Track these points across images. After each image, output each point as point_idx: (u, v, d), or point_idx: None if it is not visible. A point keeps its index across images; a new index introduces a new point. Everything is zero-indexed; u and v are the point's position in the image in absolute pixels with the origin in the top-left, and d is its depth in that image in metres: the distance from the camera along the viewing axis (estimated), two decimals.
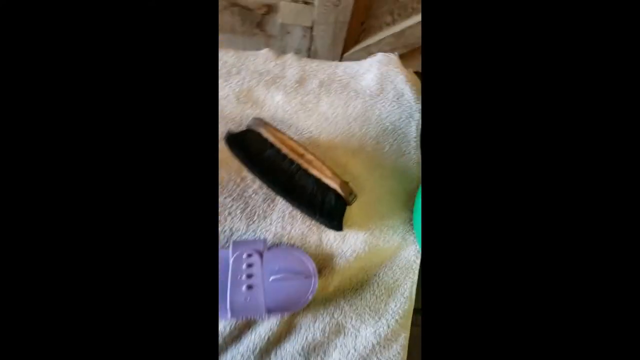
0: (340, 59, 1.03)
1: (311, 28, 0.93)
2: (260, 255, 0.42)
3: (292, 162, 0.46)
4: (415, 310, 0.48)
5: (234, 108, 0.53)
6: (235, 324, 0.43)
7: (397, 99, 0.57)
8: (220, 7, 0.84)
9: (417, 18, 0.90)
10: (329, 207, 0.46)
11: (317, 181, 0.46)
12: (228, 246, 0.45)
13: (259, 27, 0.96)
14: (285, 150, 0.46)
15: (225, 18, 0.88)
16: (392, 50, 0.98)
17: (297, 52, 1.02)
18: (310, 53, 1.00)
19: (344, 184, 0.46)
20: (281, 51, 1.02)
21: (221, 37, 0.84)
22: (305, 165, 0.46)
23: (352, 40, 0.97)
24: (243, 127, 0.52)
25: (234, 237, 0.46)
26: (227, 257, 0.42)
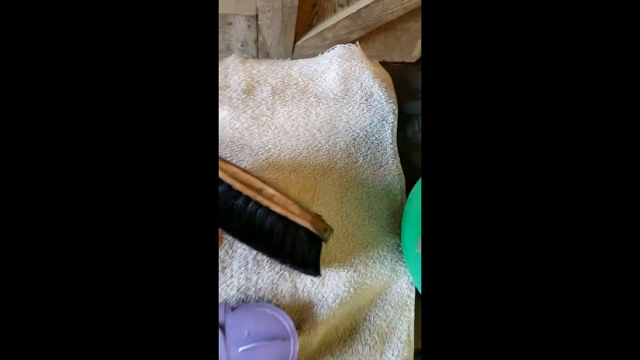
0: (293, 48, 0.92)
1: (256, 17, 0.81)
2: (222, 329, 0.33)
3: (248, 199, 0.37)
4: (415, 353, 0.41)
5: None
6: None
7: (366, 100, 0.48)
8: None
9: None
10: (301, 251, 0.37)
11: (283, 220, 0.37)
12: None
13: None
14: (238, 186, 0.37)
15: None
16: (348, 34, 0.88)
17: (244, 44, 0.90)
18: (259, 44, 0.88)
19: (316, 219, 0.37)
20: (225, 45, 0.90)
21: None
22: (265, 203, 0.37)
23: (304, 26, 0.86)
24: None
25: None
26: None
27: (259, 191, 0.37)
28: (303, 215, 0.37)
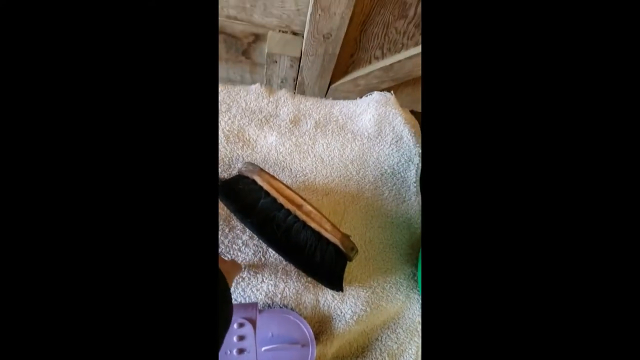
0: (327, 90, 1.01)
1: (299, 58, 0.90)
2: (253, 324, 0.37)
3: (288, 213, 0.42)
4: None
5: (222, 148, 0.48)
6: None
7: (396, 142, 0.54)
8: None
9: (406, 53, 0.89)
10: (329, 266, 0.41)
11: (316, 235, 0.41)
12: None
13: (245, 54, 0.93)
14: (281, 200, 0.42)
15: None
16: (379, 83, 0.97)
17: (283, 81, 0.99)
18: (297, 83, 0.97)
19: (345, 239, 0.42)
20: (267, 80, 0.98)
21: None
22: (303, 217, 0.41)
23: (340, 72, 0.95)
24: (233, 170, 0.47)
25: None
26: None
27: (299, 207, 0.42)
28: (334, 233, 0.41)
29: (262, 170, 0.42)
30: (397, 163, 0.53)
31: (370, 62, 0.92)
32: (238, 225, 0.45)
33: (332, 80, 0.96)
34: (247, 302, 0.42)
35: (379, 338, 0.44)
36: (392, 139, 0.54)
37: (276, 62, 0.91)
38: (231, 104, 0.51)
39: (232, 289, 0.42)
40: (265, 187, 0.42)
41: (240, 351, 0.35)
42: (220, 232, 0.44)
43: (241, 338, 0.36)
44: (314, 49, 0.83)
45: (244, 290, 0.42)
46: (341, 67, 0.93)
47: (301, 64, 0.89)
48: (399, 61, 0.90)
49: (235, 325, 0.36)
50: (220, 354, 0.35)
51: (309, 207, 0.42)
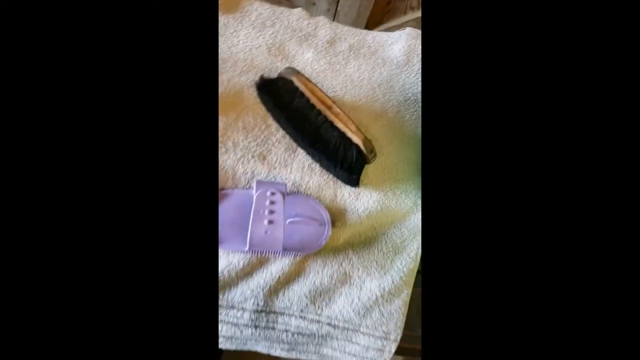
0: None
1: (337, 2, 0.93)
2: (283, 195, 0.44)
3: (319, 113, 0.47)
4: (418, 272, 0.50)
5: (264, 59, 0.54)
6: (249, 260, 0.45)
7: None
8: None
9: None
10: (350, 162, 0.47)
11: (341, 134, 0.47)
12: (249, 187, 0.46)
13: None
14: (313, 100, 0.47)
15: None
16: None
17: None
18: None
19: (367, 141, 0.47)
20: None
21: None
22: (331, 117, 0.47)
23: (375, 19, 0.98)
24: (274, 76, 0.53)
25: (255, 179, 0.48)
26: (251, 194, 0.43)
27: (329, 107, 0.47)
28: (358, 135, 0.47)
29: (299, 72, 0.48)
30: (421, 92, 0.58)
31: (405, 12, 0.95)
32: (273, 124, 0.51)
33: (366, 29, 1.00)
34: None
35: (386, 233, 0.50)
36: (419, 69, 0.58)
37: (314, 4, 0.95)
38: (275, 20, 0.56)
39: (265, 174, 0.48)
40: (301, 87, 0.47)
41: (271, 212, 0.42)
42: (257, 129, 0.50)
43: (272, 203, 0.43)
44: None
45: (275, 177, 0.49)
46: (376, 16, 0.97)
47: (338, 9, 0.93)
48: None
49: (268, 193, 0.43)
50: (254, 211, 0.42)
51: (337, 109, 0.47)
